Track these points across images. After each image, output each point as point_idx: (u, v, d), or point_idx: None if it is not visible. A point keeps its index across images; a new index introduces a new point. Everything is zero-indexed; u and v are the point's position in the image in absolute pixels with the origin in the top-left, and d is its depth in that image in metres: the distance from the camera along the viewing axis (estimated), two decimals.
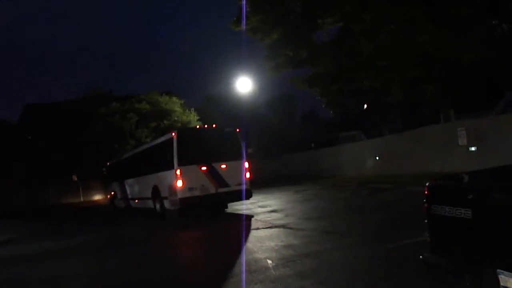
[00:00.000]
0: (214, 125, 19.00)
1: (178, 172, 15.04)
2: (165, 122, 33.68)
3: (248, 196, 16.35)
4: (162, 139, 17.81)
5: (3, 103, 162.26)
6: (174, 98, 36.11)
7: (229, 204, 18.11)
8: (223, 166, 15.82)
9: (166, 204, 16.39)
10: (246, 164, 16.51)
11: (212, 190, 15.46)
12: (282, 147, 45.24)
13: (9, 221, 27.07)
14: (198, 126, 22.70)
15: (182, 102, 36.58)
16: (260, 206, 17.54)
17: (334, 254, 8.08)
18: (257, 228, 11.90)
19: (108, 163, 27.85)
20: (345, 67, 17.75)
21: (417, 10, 15.56)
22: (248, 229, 11.94)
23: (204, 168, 15.50)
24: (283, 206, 16.77)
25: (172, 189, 15.47)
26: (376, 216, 11.92)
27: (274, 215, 14.43)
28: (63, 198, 40.81)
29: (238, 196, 16.16)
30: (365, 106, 38.45)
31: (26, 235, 18.51)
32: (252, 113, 44.37)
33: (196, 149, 15.76)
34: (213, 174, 15.62)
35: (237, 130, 17.28)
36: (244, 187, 16.14)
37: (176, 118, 34.38)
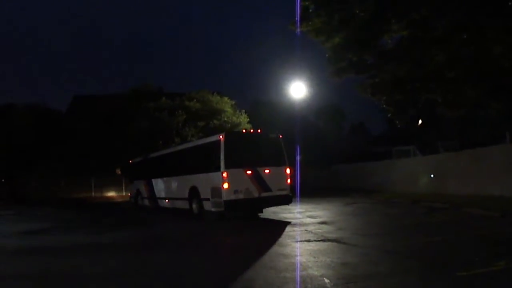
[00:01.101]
0: (259, 130, 19.67)
1: (224, 174, 15.26)
2: (215, 122, 32.94)
3: (289, 202, 16.82)
4: (207, 140, 18.06)
5: (54, 92, 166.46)
6: (226, 98, 35.34)
7: (277, 212, 18.21)
8: (267, 171, 16.09)
9: (207, 205, 16.51)
10: (288, 170, 16.80)
11: (255, 194, 15.72)
12: (330, 157, 44.26)
13: (48, 210, 27.04)
14: (244, 130, 22.26)
15: (233, 103, 35.78)
16: (309, 216, 16.62)
17: (400, 277, 7.23)
18: (308, 240, 11.01)
19: (130, 161, 27.52)
20: (412, 76, 16.67)
21: (491, 22, 14.53)
22: (298, 240, 11.11)
23: (249, 172, 15.73)
24: (333, 219, 15.81)
25: (216, 191, 15.67)
26: (437, 238, 10.94)
27: (325, 227, 13.51)
28: (105, 190, 40.89)
29: (279, 201, 16.65)
30: (420, 121, 37.16)
31: (61, 225, 18.07)
32: (302, 121, 43.54)
33: (242, 152, 16.07)
34: (257, 178, 15.84)
35: (280, 136, 17.45)
36: (285, 192, 16.55)
37: (226, 119, 33.56)
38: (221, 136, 15.99)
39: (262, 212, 17.64)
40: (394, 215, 16.87)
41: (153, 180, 22.86)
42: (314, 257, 8.97)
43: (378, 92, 18.25)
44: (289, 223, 14.99)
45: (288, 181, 16.76)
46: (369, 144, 52.18)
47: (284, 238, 11.61)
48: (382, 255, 9.18)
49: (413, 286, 6.82)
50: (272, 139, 17.35)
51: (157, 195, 22.39)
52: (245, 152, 16.20)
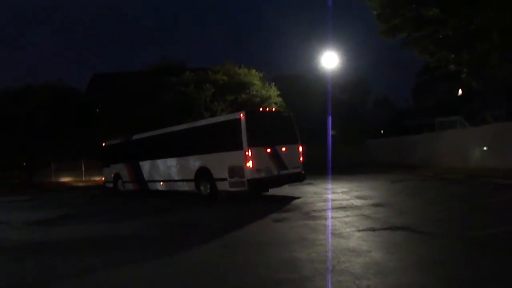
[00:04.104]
0: (273, 109, 20.32)
1: (248, 153, 15.13)
2: (243, 95, 30.98)
3: (303, 179, 17.18)
4: (222, 119, 18.05)
5: (74, 71, 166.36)
6: (253, 71, 32.91)
7: (319, 192, 17.43)
8: (284, 149, 16.22)
9: (221, 186, 16.30)
10: (300, 148, 17.06)
11: (275, 172, 15.87)
12: (361, 133, 42.43)
13: (66, 195, 26.25)
14: (261, 109, 20.97)
15: (262, 75, 33.30)
16: (357, 197, 14.66)
17: None
18: (373, 229, 9.03)
19: (105, 144, 26.17)
20: (490, 28, 14.30)
21: None
22: (360, 229, 9.11)
23: (268, 150, 15.81)
24: (387, 200, 13.78)
25: (236, 170, 15.46)
26: None
27: (383, 210, 11.53)
28: None
29: (295, 178, 16.90)
30: (460, 91, 34.77)
31: (77, 214, 16.64)
32: (330, 96, 41.47)
33: (261, 131, 16.07)
34: (275, 156, 15.95)
35: (291, 114, 17.94)
36: (299, 170, 16.82)
37: (254, 92, 31.45)
38: (241, 115, 15.69)
39: (267, 191, 17.49)
40: (457, 194, 14.66)
41: (141, 162, 22.03)
42: (392, 253, 7.11)
43: (444, 49, 16.02)
44: (340, 207, 12.85)
45: (301, 158, 17.03)
46: (400, 118, 50.11)
47: (341, 227, 9.57)
48: (477, 249, 7.18)
49: None
50: (285, 117, 17.69)
51: (147, 178, 21.63)
52: (263, 130, 16.20)
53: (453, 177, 19.50)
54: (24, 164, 39.66)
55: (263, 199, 16.62)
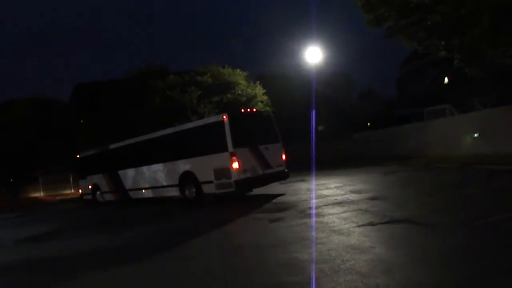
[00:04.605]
0: (254, 109, 20.16)
1: (234, 154, 15.28)
2: (228, 96, 30.51)
3: (286, 177, 17.34)
4: (205, 122, 17.76)
5: (55, 83, 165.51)
6: (237, 70, 32.42)
7: (312, 189, 16.93)
8: (267, 148, 16.43)
9: (207, 189, 16.43)
10: (282, 147, 17.39)
11: (259, 171, 16.04)
12: (348, 126, 42.20)
13: (54, 210, 25.94)
14: (242, 110, 20.80)
15: (246, 74, 32.80)
16: (352, 192, 14.38)
17: None
18: (372, 224, 8.79)
19: (79, 156, 25.81)
20: (476, 11, 14.05)
21: None
22: (359, 224, 8.87)
23: (252, 150, 16.00)
24: (383, 192, 13.50)
25: (222, 172, 15.61)
26: None
27: (380, 204, 11.30)
28: None
29: (279, 177, 17.07)
30: (447, 79, 34.69)
31: (67, 227, 16.42)
32: (315, 91, 41.28)
33: (245, 131, 16.18)
34: (260, 156, 16.15)
35: (271, 113, 18.49)
36: (283, 168, 17.06)
37: (240, 92, 31.00)
38: (224, 117, 15.79)
39: (251, 190, 17.63)
40: (452, 183, 14.48)
41: (120, 171, 21.74)
42: (396, 248, 6.94)
43: (434, 36, 15.83)
44: (336, 202, 12.57)
45: (284, 157, 17.25)
46: (387, 109, 49.99)
47: (340, 223, 9.29)
48: (482, 239, 6.98)
49: None
50: (265, 116, 18.01)
51: (128, 186, 21.35)
52: (246, 131, 16.34)
53: (446, 165, 19.33)
54: (12, 180, 39.21)
55: (252, 199, 16.46)
